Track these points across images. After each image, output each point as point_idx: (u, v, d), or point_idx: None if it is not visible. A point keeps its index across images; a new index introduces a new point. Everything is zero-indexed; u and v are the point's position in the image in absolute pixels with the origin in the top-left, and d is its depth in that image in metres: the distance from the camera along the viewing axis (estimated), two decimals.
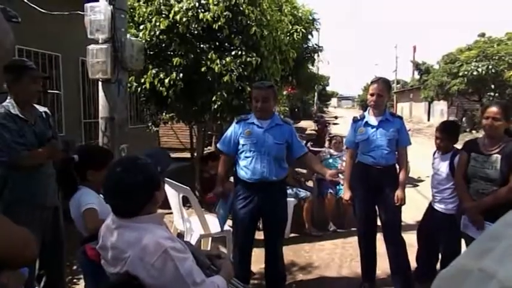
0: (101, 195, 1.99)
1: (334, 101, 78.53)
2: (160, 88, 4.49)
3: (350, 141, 3.40)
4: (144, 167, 1.45)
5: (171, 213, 3.92)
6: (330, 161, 5.26)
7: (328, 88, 47.53)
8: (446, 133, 3.16)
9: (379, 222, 3.36)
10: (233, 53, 4.56)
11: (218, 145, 3.17)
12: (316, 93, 32.30)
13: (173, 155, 8.91)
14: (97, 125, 3.83)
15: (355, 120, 3.38)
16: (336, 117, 31.51)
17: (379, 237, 3.39)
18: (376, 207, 3.34)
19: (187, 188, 3.39)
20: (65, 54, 5.62)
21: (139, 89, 4.77)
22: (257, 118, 2.99)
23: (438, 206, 3.18)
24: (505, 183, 2.58)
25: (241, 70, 4.50)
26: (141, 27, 4.58)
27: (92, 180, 2.08)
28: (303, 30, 8.01)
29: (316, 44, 10.31)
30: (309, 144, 9.11)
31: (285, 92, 13.34)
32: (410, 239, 3.45)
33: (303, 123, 25.39)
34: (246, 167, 2.95)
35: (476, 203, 2.68)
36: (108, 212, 2.05)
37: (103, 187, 1.49)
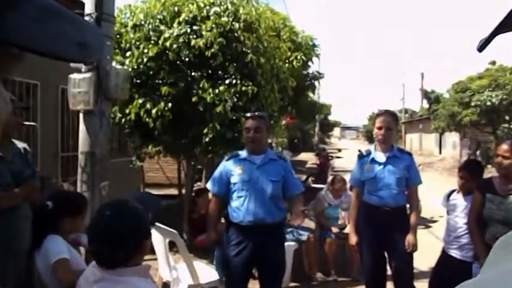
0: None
1: (337, 131, 79.17)
2: (147, 119, 4.51)
3: (356, 180, 3.43)
4: (135, 212, 1.46)
5: (156, 259, 3.83)
6: (331, 212, 5.19)
7: (330, 117, 48.15)
8: (470, 172, 3.17)
9: (389, 271, 3.33)
10: (227, 81, 4.64)
11: (208, 185, 3.20)
12: (317, 123, 32.70)
13: (159, 191, 8.85)
14: (75, 159, 3.82)
15: (360, 157, 3.43)
16: (339, 150, 31.71)
17: (389, 287, 3.34)
18: (386, 253, 3.33)
19: (175, 231, 3.34)
20: (44, 82, 5.68)
21: (123, 120, 4.80)
22: (249, 153, 3.03)
23: (456, 253, 3.13)
24: None
25: (235, 100, 4.57)
26: (128, 54, 4.66)
27: (68, 229, 2.06)
28: (302, 57, 8.21)
29: (316, 71, 10.55)
30: (310, 179, 9.12)
31: (283, 122, 13.48)
32: None
33: (304, 156, 25.47)
34: (239, 208, 2.94)
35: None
36: (80, 262, 2.02)
37: (89, 232, 1.47)
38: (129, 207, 1.47)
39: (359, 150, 3.56)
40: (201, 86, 4.53)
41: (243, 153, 3.07)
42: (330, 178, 6.81)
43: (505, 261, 0.44)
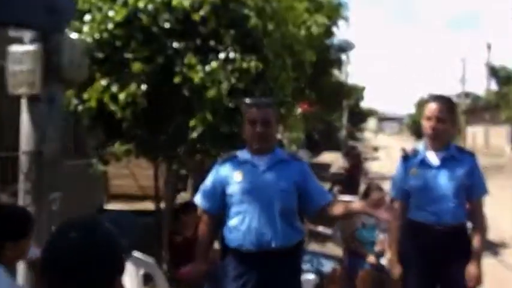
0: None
1: (372, 123, 79.06)
2: (113, 107, 4.52)
3: (398, 190, 3.45)
4: (109, 237, 1.45)
5: None
6: (366, 234, 5.23)
7: (363, 104, 48.05)
8: None
9: None
10: (222, 55, 4.64)
11: (196, 199, 3.21)
12: (345, 112, 32.64)
13: (128, 206, 8.84)
14: (16, 162, 3.84)
15: (405, 158, 3.45)
16: (375, 149, 31.68)
17: None
18: None
19: (151, 261, 3.36)
20: None
21: (80, 107, 4.81)
22: (252, 153, 3.04)
23: None
24: None
25: (234, 81, 4.57)
26: (87, 18, 4.67)
27: (9, 256, 2.09)
28: (325, 20, 8.21)
29: (344, 40, 10.58)
30: (335, 189, 9.13)
31: (299, 111, 13.42)
32: None
33: (327, 157, 25.45)
34: (237, 228, 2.95)
35: None
36: None
37: (43, 260, 1.47)
38: (101, 231, 1.46)
39: (403, 150, 3.57)
40: (186, 61, 4.52)
41: (243, 154, 3.09)
42: (361, 187, 6.82)
43: None
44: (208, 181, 3.14)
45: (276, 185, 2.98)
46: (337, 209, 3.05)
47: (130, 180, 9.68)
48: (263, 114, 2.99)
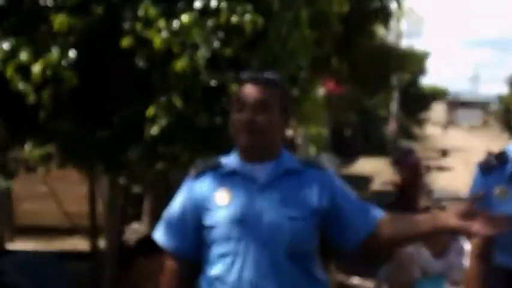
0: None
1: (439, 111, 79.12)
2: (21, 86, 4.54)
3: None
4: None
5: None
6: (425, 286, 5.27)
7: (425, 81, 48.16)
8: None
9: None
10: (198, 4, 4.69)
11: (157, 235, 3.22)
12: (395, 94, 32.64)
13: (49, 245, 8.88)
14: None
15: (485, 168, 3.44)
16: (444, 153, 31.57)
17: None
18: None
19: None
20: None
21: None
22: (245, 159, 3.04)
23: None
24: None
25: (217, 45, 4.62)
26: None
27: None
28: None
29: None
30: None
31: (321, 92, 13.30)
32: None
33: (365, 165, 25.59)
34: (222, 279, 2.94)
35: None
36: None
37: None
38: (5, 284, 1.53)
39: (489, 154, 3.58)
40: (140, 13, 4.56)
41: (231, 161, 3.09)
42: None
43: None
44: (176, 205, 3.14)
45: (283, 211, 2.95)
46: (400, 227, 2.96)
47: (49, 203, 9.58)
48: (258, 94, 2.95)
